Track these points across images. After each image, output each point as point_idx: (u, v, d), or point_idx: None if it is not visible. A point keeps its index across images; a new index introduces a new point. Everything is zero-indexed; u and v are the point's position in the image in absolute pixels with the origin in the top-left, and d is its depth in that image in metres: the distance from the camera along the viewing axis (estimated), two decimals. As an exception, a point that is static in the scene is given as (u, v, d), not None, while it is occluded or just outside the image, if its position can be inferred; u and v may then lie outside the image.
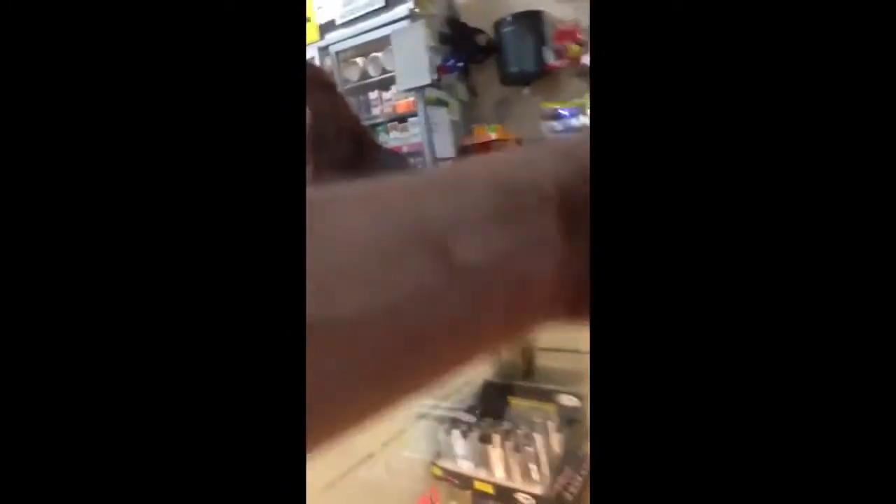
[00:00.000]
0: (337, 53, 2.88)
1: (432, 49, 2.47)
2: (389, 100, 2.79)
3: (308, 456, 0.13)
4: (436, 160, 2.55)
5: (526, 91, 2.54)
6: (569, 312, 0.16)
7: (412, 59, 2.49)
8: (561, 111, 2.32)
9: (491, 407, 0.93)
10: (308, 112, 1.09)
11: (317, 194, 0.14)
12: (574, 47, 2.24)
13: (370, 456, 0.84)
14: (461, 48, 2.55)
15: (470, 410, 0.92)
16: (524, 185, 0.16)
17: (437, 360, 0.15)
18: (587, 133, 0.16)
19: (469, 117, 2.72)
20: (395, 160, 1.24)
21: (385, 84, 2.77)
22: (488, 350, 0.17)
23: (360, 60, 2.82)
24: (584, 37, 2.24)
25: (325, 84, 1.15)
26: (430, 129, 2.54)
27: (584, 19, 2.29)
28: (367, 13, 2.74)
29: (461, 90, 2.68)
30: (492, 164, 0.17)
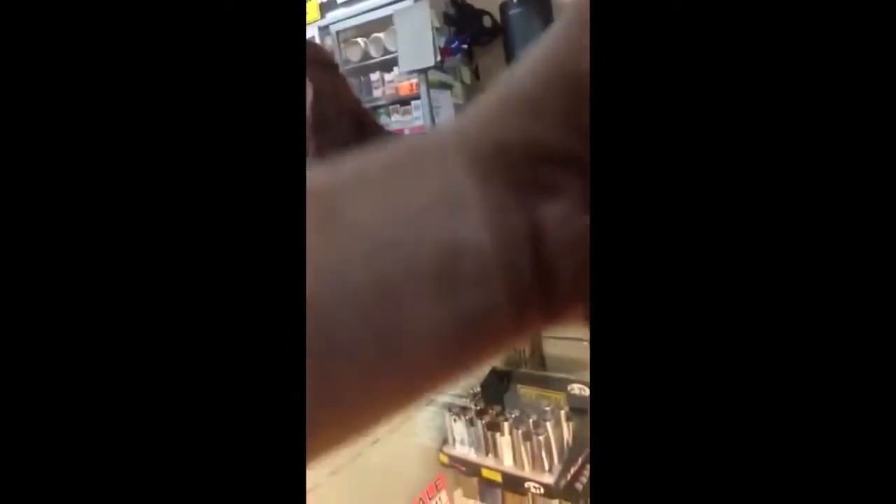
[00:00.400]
0: (338, 33, 2.83)
1: (436, 30, 2.42)
2: (391, 81, 2.74)
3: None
4: (438, 144, 2.52)
5: (531, 75, 2.50)
6: (558, 300, 0.14)
7: (415, 39, 2.44)
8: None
9: (498, 394, 0.92)
10: (309, 91, 1.07)
11: None
12: (582, 31, 2.20)
13: (376, 442, 0.83)
14: (466, 30, 2.50)
15: (477, 398, 0.91)
16: (422, 147, 0.14)
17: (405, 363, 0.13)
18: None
19: (473, 101, 2.68)
20: None
21: (387, 65, 2.72)
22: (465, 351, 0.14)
23: (361, 41, 2.77)
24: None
25: (327, 63, 1.13)
26: (433, 112, 2.50)
27: (594, 2, 2.25)
28: (370, -8, 2.68)
29: (465, 73, 2.64)
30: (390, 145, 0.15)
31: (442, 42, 2.44)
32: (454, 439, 0.90)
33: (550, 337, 1.04)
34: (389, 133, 1.29)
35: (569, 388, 0.90)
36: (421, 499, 0.84)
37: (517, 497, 0.82)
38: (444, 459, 0.90)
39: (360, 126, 1.15)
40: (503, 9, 2.43)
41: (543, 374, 0.99)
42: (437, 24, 2.44)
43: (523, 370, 0.99)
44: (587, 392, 0.90)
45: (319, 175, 0.14)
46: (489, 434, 0.85)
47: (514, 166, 0.14)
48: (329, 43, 2.81)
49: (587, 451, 0.83)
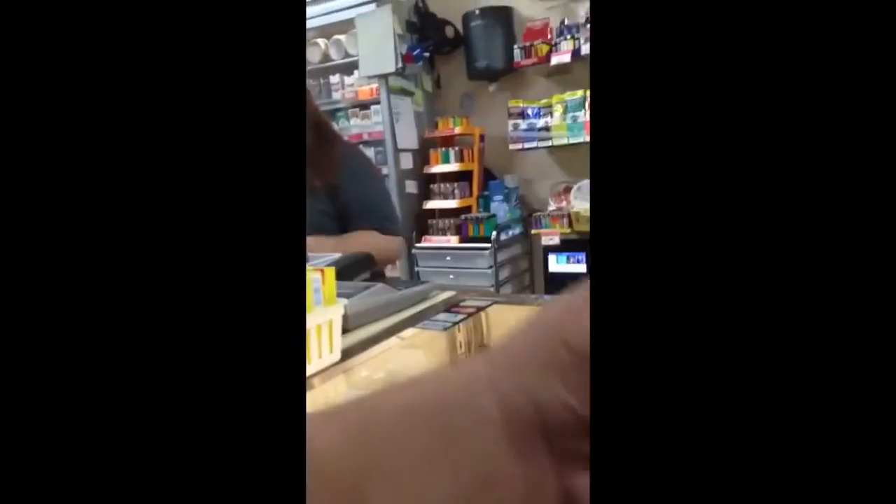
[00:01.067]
0: (298, 33, 2.76)
1: (398, 37, 2.41)
2: (351, 85, 2.70)
3: None
4: (397, 151, 2.50)
5: (492, 87, 2.52)
6: None
7: (377, 44, 2.42)
8: (527, 110, 2.32)
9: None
10: None
11: None
12: (542, 46, 2.24)
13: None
14: (428, 38, 2.50)
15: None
16: (458, 409, 0.13)
17: None
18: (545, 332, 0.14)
19: (433, 109, 2.68)
20: (353, 154, 1.20)
21: (347, 69, 2.69)
22: None
23: (322, 42, 2.73)
24: (553, 36, 2.24)
25: None
26: (392, 118, 2.48)
27: (555, 19, 2.29)
28: (332, -7, 2.64)
29: (427, 81, 2.64)
30: (418, 389, 0.14)
31: (404, 49, 2.43)
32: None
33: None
34: (347, 142, 1.26)
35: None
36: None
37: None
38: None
39: (319, 135, 1.13)
40: (466, 20, 2.45)
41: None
42: (399, 31, 2.43)
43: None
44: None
45: (348, 457, 0.13)
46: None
47: (553, 436, 0.13)
48: (288, 42, 2.74)
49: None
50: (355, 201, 1.10)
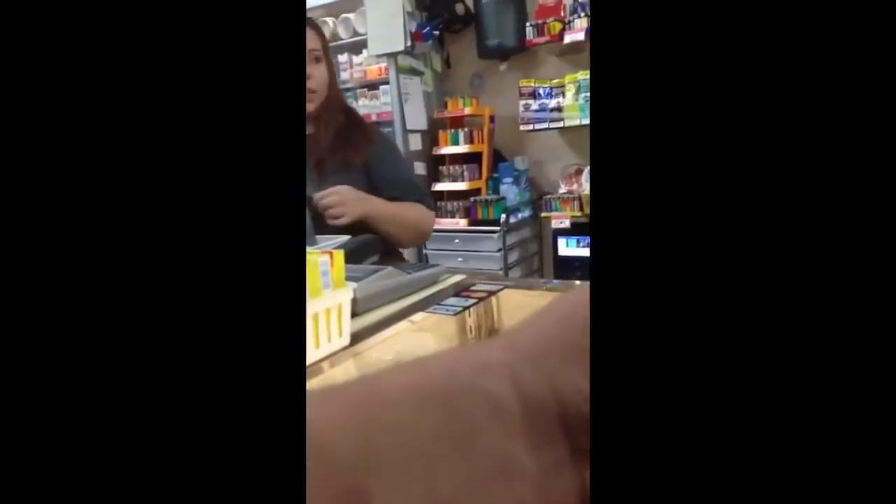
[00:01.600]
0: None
1: (408, 14, 2.36)
2: (360, 64, 2.67)
3: None
4: (406, 132, 2.47)
5: (503, 67, 2.47)
6: None
7: (386, 22, 2.38)
8: (538, 90, 2.27)
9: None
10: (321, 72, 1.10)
11: None
12: (555, 24, 2.18)
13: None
14: (438, 15, 2.45)
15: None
16: (472, 394, 0.12)
17: None
18: (564, 313, 0.14)
19: (442, 90, 2.64)
20: (378, 134, 1.22)
21: (356, 47, 2.65)
22: None
23: (330, 20, 2.68)
24: (566, 14, 2.18)
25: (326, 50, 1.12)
26: (401, 98, 2.45)
27: (568, -5, 2.23)
28: (341, -30, 2.59)
29: (436, 60, 2.59)
30: (429, 369, 0.13)
31: (413, 27, 2.38)
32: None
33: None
34: (369, 124, 1.26)
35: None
36: None
37: None
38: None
39: (348, 114, 1.15)
40: (477, -4, 2.39)
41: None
42: (408, 8, 2.38)
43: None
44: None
45: (349, 437, 0.12)
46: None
47: (572, 428, 0.13)
48: (296, 20, 2.70)
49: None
50: (389, 178, 1.12)
